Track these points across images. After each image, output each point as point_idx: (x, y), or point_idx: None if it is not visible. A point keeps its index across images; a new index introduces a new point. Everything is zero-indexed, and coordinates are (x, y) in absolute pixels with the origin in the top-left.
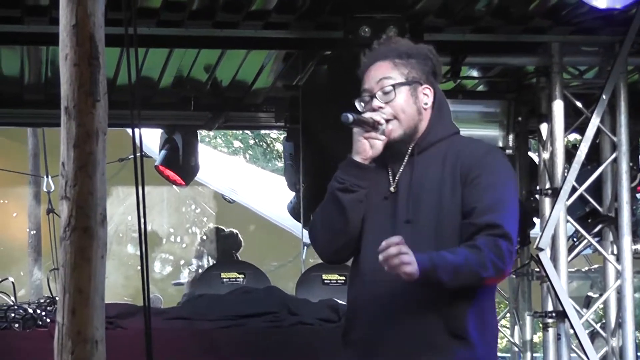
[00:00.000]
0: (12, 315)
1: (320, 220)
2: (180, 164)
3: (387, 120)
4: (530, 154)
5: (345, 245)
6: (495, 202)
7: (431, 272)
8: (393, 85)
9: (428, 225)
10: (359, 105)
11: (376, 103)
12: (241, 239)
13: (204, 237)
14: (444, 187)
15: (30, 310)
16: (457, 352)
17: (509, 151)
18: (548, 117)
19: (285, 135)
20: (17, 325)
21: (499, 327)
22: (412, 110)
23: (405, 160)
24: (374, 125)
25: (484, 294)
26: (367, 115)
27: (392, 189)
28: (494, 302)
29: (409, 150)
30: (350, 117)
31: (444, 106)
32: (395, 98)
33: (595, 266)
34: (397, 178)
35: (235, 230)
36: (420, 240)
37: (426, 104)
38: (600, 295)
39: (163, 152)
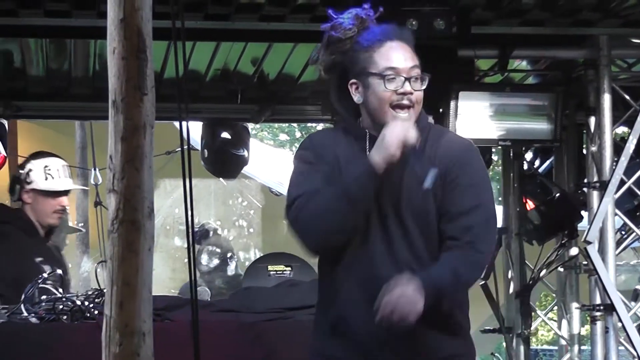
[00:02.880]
0: (60, 307)
1: (331, 218)
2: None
3: (409, 107)
4: None
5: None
6: (472, 206)
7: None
8: (422, 77)
9: (414, 226)
10: (383, 82)
11: (407, 88)
12: None
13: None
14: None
15: (78, 303)
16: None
17: (556, 144)
18: (596, 110)
19: None
20: (65, 317)
21: (548, 320)
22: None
23: None
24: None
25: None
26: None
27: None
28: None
29: None
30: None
31: None
32: (421, 90)
33: None
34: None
35: None
36: (410, 239)
37: None
38: None
39: None
